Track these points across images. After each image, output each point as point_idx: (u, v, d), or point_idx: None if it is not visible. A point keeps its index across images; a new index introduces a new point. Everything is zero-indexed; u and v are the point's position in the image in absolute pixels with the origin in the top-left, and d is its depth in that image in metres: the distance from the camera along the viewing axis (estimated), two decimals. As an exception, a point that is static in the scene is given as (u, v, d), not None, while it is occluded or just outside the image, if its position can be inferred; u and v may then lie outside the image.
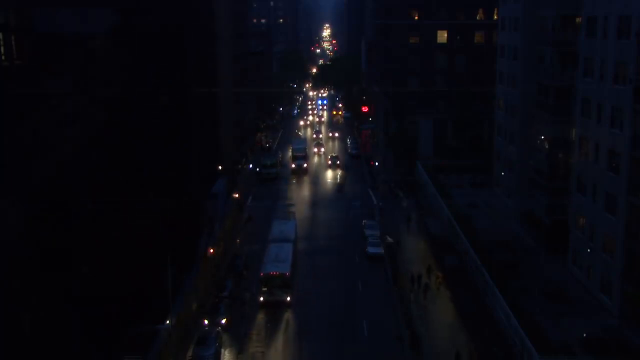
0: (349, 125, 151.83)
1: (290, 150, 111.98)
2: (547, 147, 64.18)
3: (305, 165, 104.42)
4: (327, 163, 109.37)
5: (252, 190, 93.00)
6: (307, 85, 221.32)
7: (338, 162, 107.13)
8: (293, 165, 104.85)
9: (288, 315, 54.66)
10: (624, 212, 49.86)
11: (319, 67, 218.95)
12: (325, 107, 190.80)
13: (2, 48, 39.56)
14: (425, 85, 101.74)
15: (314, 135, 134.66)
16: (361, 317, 54.22)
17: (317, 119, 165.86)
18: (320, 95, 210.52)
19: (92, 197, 43.04)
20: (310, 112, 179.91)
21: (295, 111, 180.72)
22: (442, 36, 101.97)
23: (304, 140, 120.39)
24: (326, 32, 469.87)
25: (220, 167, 79.36)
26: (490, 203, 78.58)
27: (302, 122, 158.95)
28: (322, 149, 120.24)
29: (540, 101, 65.96)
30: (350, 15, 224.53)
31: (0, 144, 39.02)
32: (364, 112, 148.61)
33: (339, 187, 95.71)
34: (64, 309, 38.98)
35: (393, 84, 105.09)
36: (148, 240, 50.14)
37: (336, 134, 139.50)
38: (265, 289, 55.50)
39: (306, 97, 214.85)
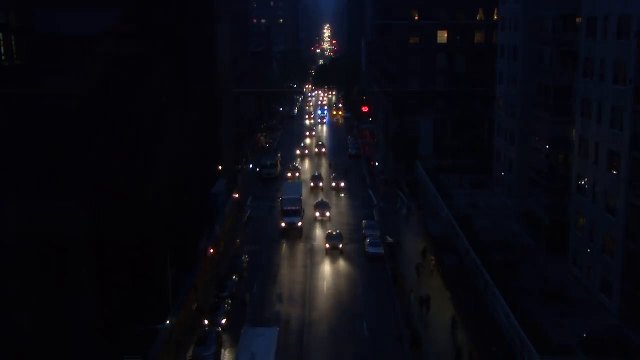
0: (349, 125, 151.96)
1: (280, 200, 79.20)
2: (547, 147, 64.19)
3: (299, 223, 74.91)
4: (325, 246, 69.43)
5: (252, 190, 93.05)
6: (307, 86, 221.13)
7: (340, 246, 68.85)
8: (282, 224, 74.76)
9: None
10: (624, 212, 49.86)
11: (319, 67, 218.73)
12: (325, 120, 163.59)
13: (2, 48, 39.56)
14: (425, 85, 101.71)
15: (312, 183, 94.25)
16: (361, 317, 54.33)
17: (317, 147, 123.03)
18: (319, 101, 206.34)
19: (91, 197, 42.99)
20: (307, 131, 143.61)
21: (295, 111, 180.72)
22: (442, 36, 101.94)
23: (298, 186, 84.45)
24: (326, 32, 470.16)
25: (220, 167, 79.40)
26: (490, 203, 78.59)
27: (298, 151, 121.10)
28: (328, 213, 79.75)
29: (540, 101, 65.96)
30: (350, 15, 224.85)
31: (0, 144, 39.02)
32: (364, 112, 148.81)
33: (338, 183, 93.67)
34: (63, 309, 38.98)
35: (393, 84, 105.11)
36: (148, 240, 50.11)
37: (342, 184, 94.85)
38: None
39: (303, 108, 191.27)
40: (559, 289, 55.23)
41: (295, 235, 73.66)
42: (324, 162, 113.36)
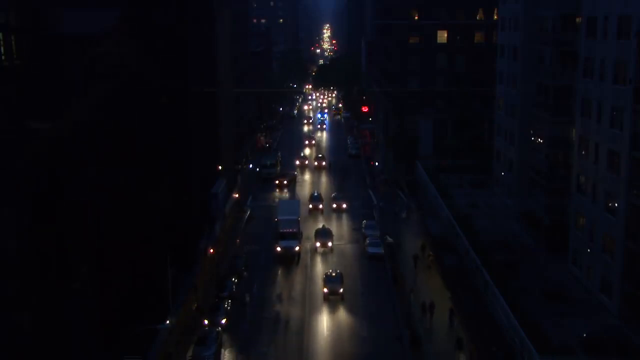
0: (349, 125, 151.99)
1: (276, 221, 71.60)
2: (547, 147, 64.18)
3: (297, 248, 67.16)
4: (322, 291, 58.04)
5: (252, 190, 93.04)
6: (307, 86, 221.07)
7: (341, 290, 57.47)
8: (278, 249, 66.97)
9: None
10: (624, 212, 49.86)
11: (319, 67, 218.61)
12: (325, 126, 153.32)
13: (2, 48, 39.56)
14: (425, 85, 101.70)
15: (311, 205, 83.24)
16: (361, 317, 54.33)
17: (316, 161, 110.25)
18: (319, 103, 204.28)
19: (92, 197, 43.04)
20: (306, 140, 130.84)
21: (295, 111, 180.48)
22: (442, 36, 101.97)
23: (295, 205, 76.38)
24: (326, 33, 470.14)
25: (220, 167, 79.40)
26: (490, 203, 78.57)
27: (297, 161, 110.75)
28: (330, 243, 69.68)
29: (540, 101, 65.95)
30: (350, 15, 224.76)
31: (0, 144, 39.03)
32: (364, 112, 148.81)
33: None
34: (63, 309, 39.01)
35: (393, 84, 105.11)
36: (148, 240, 50.14)
37: (343, 205, 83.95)
38: None
39: (302, 112, 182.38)
40: (559, 289, 55.22)
41: (292, 261, 65.82)
42: (324, 178, 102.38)
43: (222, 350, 48.92)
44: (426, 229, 72.25)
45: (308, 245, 70.70)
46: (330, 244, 69.41)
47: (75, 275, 40.11)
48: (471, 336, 49.04)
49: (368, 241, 68.40)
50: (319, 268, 64.96)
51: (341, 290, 57.33)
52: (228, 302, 55.13)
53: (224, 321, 52.34)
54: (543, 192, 64.65)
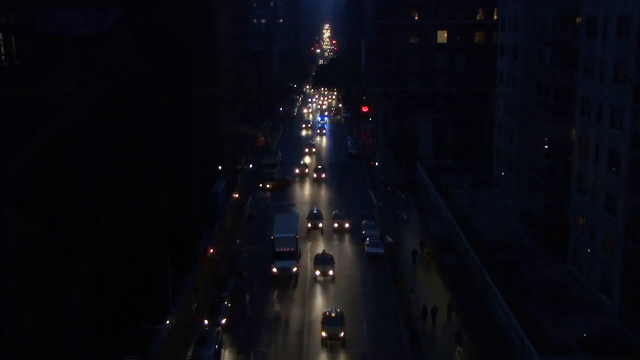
0: (349, 125, 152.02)
1: (272, 239, 63.59)
2: (547, 147, 64.18)
3: (294, 269, 61.65)
4: (320, 335, 50.32)
5: (252, 190, 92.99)
6: (307, 87, 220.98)
7: (342, 335, 49.58)
8: (274, 270, 61.55)
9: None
10: (624, 212, 49.85)
11: (319, 68, 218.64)
12: (324, 131, 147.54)
13: (2, 48, 39.56)
14: (425, 85, 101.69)
15: (310, 223, 75.64)
16: (361, 317, 54.32)
17: (315, 173, 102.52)
18: (319, 106, 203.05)
19: (92, 197, 43.04)
20: (306, 148, 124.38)
21: (295, 112, 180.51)
22: (442, 36, 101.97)
23: (292, 220, 69.54)
24: (326, 33, 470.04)
25: (220, 167, 79.36)
26: (490, 203, 78.57)
27: (297, 170, 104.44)
28: (331, 272, 62.25)
29: (540, 101, 65.97)
30: (350, 15, 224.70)
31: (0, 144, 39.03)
32: (364, 112, 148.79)
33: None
34: (63, 309, 39.00)
35: (393, 84, 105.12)
36: (148, 240, 50.08)
37: (345, 224, 76.13)
38: None
39: (302, 115, 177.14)
40: (559, 289, 55.22)
41: (289, 281, 61.31)
42: (324, 191, 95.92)
43: (222, 350, 48.92)
44: (426, 229, 72.23)
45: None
46: (331, 272, 61.96)
47: (75, 275, 40.08)
48: (471, 336, 49.03)
49: (368, 241, 68.39)
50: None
51: (342, 334, 49.59)
52: (228, 302, 55.12)
53: (224, 321, 52.33)
54: (543, 192, 64.65)
